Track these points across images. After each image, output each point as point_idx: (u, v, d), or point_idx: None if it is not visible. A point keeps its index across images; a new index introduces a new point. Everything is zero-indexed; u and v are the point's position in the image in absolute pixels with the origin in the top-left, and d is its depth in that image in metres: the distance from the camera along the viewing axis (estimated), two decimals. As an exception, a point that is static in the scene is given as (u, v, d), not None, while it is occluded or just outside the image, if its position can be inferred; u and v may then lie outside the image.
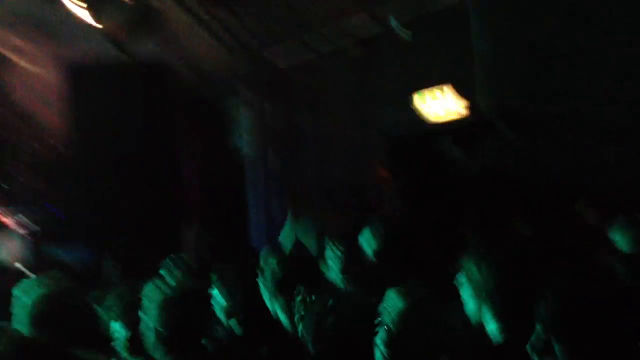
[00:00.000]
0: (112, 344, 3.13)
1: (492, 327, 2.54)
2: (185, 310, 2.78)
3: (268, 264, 3.30)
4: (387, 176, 6.86)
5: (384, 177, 6.91)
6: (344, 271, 3.59)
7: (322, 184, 7.61)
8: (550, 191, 5.92)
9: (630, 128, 5.47)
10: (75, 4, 7.07)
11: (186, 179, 8.79)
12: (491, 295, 2.53)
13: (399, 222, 4.96)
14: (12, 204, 7.92)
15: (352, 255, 3.66)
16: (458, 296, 2.76)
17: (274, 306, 3.20)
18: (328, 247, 3.69)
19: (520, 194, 6.07)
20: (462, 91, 6.70)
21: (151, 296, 2.83)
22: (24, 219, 7.75)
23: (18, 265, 6.61)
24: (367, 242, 3.72)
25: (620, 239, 3.58)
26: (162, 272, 3.40)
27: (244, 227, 8.66)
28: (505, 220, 5.34)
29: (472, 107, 6.60)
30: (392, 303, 2.45)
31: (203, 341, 2.86)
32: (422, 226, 5.18)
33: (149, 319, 2.79)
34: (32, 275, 4.13)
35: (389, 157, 7.26)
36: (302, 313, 2.81)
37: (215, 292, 3.24)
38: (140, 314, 2.85)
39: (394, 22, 6.88)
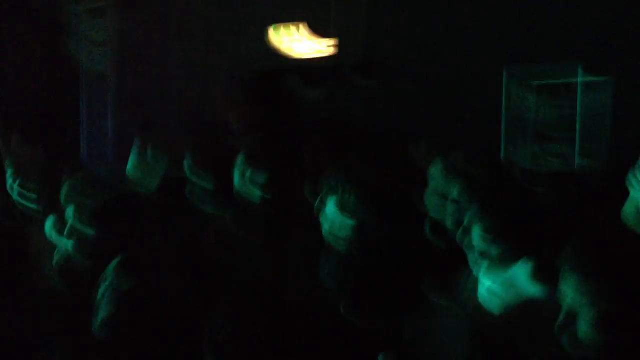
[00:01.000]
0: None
1: None
2: None
3: None
4: (239, 108, 6.70)
5: (235, 109, 6.74)
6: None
7: (171, 113, 7.30)
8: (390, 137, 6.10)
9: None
10: None
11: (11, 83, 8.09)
12: None
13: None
14: None
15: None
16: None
17: None
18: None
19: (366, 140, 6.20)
20: (318, 32, 6.70)
21: None
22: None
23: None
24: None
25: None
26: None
27: (73, 141, 8.15)
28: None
29: (327, 50, 6.63)
30: None
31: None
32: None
33: None
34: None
35: (241, 89, 7.11)
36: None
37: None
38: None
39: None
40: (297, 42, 6.87)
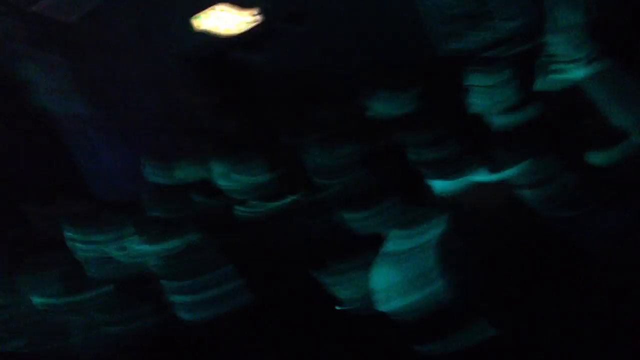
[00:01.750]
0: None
1: None
2: None
3: None
4: (199, 99, 7.13)
5: (195, 100, 7.16)
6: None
7: (150, 123, 7.70)
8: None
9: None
10: None
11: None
12: None
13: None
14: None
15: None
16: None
17: None
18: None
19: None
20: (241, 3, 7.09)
21: None
22: None
23: None
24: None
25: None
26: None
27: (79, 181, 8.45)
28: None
29: (255, 14, 7.02)
30: None
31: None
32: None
33: None
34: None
35: (194, 79, 7.51)
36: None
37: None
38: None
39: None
40: (224, 19, 7.30)
